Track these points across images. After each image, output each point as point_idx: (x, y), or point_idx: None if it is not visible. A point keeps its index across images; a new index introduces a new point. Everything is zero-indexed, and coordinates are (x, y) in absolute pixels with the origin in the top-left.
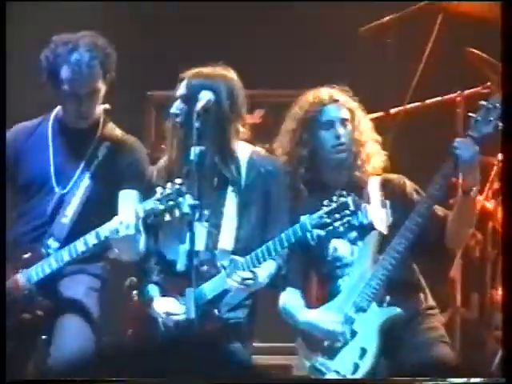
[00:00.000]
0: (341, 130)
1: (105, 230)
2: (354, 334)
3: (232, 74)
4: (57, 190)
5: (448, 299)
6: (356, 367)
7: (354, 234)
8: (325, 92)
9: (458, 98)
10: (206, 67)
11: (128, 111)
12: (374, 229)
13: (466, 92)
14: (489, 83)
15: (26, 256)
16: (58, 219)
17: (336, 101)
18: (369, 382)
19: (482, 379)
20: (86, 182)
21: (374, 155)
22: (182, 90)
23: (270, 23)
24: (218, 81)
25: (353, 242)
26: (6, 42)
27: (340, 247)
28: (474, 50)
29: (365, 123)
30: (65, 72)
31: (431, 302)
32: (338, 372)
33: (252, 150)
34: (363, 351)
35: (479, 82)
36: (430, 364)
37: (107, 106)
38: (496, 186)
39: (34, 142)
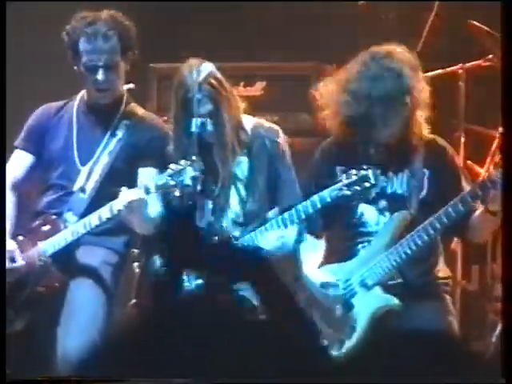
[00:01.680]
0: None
1: (118, 204)
2: (350, 307)
3: None
4: (78, 165)
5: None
6: (341, 343)
7: (383, 203)
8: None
9: (460, 71)
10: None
11: (130, 82)
12: (405, 201)
13: (468, 64)
14: (490, 56)
15: (44, 228)
16: (77, 194)
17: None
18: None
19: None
20: (105, 158)
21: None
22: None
23: None
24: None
25: (381, 211)
26: (5, 42)
27: (367, 213)
28: (475, 23)
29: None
30: (82, 44)
31: (442, 272)
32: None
33: (255, 121)
34: (352, 329)
35: (481, 54)
36: (432, 333)
37: (131, 85)
38: (497, 158)
39: (60, 119)
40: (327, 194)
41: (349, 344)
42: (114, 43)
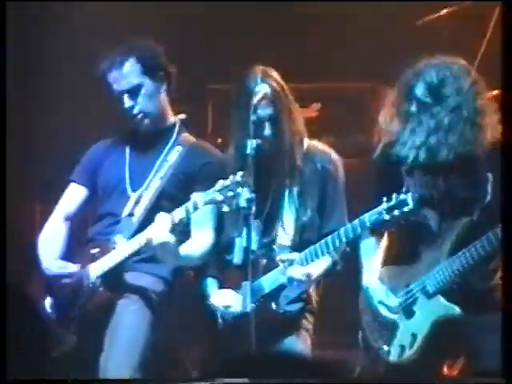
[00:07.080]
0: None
1: (142, 238)
2: (411, 314)
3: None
4: (129, 192)
5: None
6: (402, 350)
7: (447, 207)
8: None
9: None
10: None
11: (184, 104)
12: (467, 206)
13: None
14: None
15: (93, 251)
16: (127, 218)
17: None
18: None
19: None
20: (156, 183)
21: (491, 126)
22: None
23: (327, 18)
24: (270, 76)
25: (443, 215)
26: (6, 42)
27: (429, 216)
28: None
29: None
30: (109, 74)
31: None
32: (381, 349)
33: (308, 144)
34: (414, 337)
35: None
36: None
37: (183, 115)
38: None
39: (113, 152)
40: (367, 218)
41: (410, 352)
42: (130, 66)
